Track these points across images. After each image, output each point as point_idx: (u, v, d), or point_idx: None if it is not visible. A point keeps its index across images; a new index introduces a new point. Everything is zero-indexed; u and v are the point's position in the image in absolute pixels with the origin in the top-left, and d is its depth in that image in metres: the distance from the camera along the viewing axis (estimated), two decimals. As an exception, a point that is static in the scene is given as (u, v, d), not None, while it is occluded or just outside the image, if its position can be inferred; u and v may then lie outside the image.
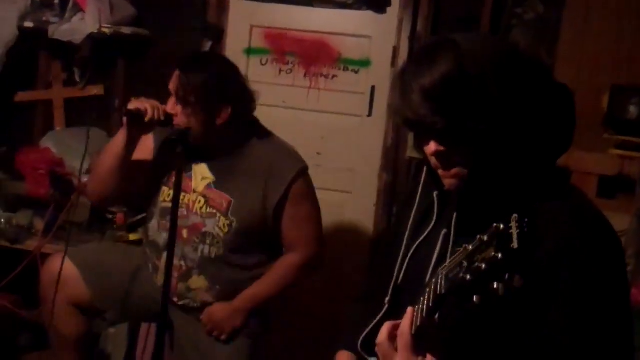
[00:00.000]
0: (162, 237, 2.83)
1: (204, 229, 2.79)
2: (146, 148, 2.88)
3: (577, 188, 1.61)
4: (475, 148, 1.48)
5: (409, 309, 1.48)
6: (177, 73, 2.69)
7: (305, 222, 2.86)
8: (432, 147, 1.52)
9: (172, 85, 2.70)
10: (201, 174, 2.82)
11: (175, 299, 2.84)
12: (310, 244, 2.87)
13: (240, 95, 2.76)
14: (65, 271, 2.89)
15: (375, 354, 1.59)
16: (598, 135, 3.35)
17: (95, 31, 3.81)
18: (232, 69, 2.79)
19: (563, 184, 1.60)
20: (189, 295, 2.85)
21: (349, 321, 1.97)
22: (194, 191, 2.82)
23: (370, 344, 1.69)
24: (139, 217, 3.36)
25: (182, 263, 2.81)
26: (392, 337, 1.50)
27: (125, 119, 2.66)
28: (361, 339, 1.78)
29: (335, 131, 3.89)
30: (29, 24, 3.89)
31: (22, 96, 4.19)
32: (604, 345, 1.47)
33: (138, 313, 3.03)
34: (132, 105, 2.66)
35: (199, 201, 2.81)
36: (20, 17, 3.88)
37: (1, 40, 3.86)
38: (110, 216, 3.71)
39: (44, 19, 3.90)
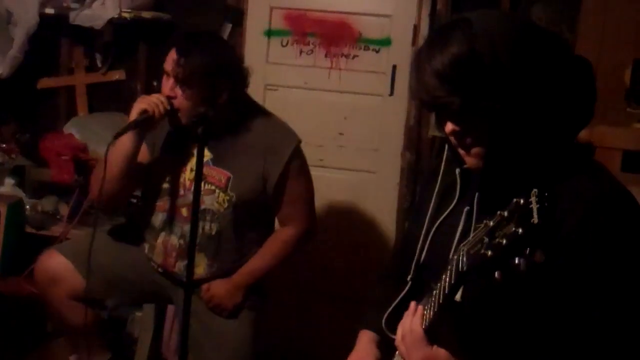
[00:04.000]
0: (158, 218, 2.86)
1: (203, 206, 2.79)
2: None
3: (599, 163, 1.60)
4: (492, 126, 1.48)
5: (419, 307, 1.54)
6: (173, 54, 2.68)
7: (301, 197, 2.90)
8: (449, 126, 1.52)
9: (168, 66, 2.69)
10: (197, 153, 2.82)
11: (175, 275, 2.87)
12: (304, 219, 2.92)
13: (237, 74, 2.76)
14: (59, 266, 2.91)
15: None
16: (621, 110, 3.31)
17: (116, 16, 3.82)
18: (228, 47, 2.84)
19: (586, 159, 1.58)
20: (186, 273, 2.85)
21: (371, 300, 1.98)
22: (191, 170, 2.81)
23: (393, 322, 1.71)
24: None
25: (182, 242, 2.83)
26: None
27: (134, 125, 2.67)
28: (385, 317, 1.79)
29: (357, 111, 3.88)
30: (49, 10, 3.91)
31: (44, 82, 4.22)
32: (633, 321, 1.46)
33: (136, 295, 3.05)
34: (137, 109, 2.67)
35: None
36: (41, 4, 3.89)
37: (22, 27, 3.88)
38: (135, 200, 3.73)
39: (65, 4, 3.91)
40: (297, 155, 2.85)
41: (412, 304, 1.61)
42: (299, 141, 2.87)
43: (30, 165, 3.81)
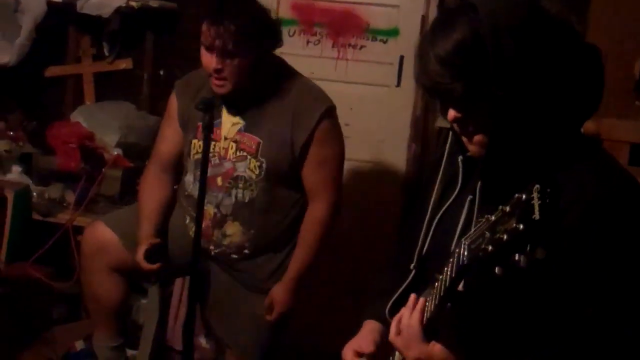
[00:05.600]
0: (196, 188, 2.80)
1: (235, 173, 2.79)
2: (173, 116, 2.93)
3: (608, 154, 1.57)
4: (494, 114, 1.46)
5: (421, 300, 1.54)
6: (207, 27, 2.60)
7: (327, 164, 2.83)
8: (451, 113, 1.50)
9: (206, 41, 2.62)
10: (231, 121, 2.81)
11: (211, 247, 2.87)
12: (330, 189, 2.85)
13: (274, 30, 2.73)
14: (104, 238, 2.96)
15: None
16: (630, 103, 3.31)
17: (123, 5, 3.84)
18: (258, 6, 2.73)
19: (593, 150, 1.56)
20: (224, 242, 2.86)
21: (375, 289, 1.97)
22: (225, 138, 2.81)
23: (397, 311, 1.70)
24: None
25: (216, 210, 2.83)
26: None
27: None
28: (389, 306, 1.79)
29: (364, 102, 3.87)
30: (57, -1, 3.92)
31: (52, 71, 4.23)
32: (635, 314, 1.45)
33: (179, 267, 3.01)
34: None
35: (231, 147, 2.80)
36: (49, -8, 3.91)
37: (30, 16, 3.89)
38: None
39: (72, -7, 3.92)
40: (326, 119, 2.78)
41: (412, 297, 1.61)
42: (330, 106, 2.81)
43: (38, 153, 3.81)
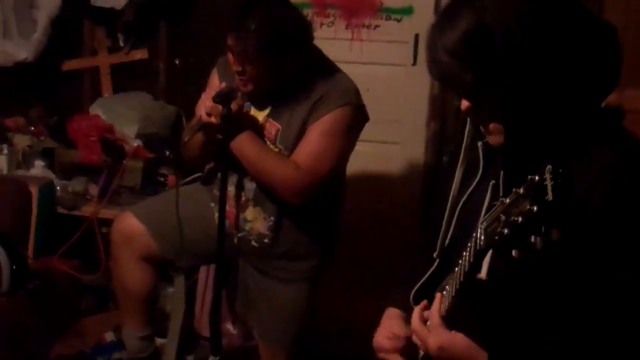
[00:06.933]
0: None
1: None
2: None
3: (628, 131, 1.54)
4: (507, 101, 1.44)
5: (438, 295, 1.55)
6: (230, 31, 2.59)
7: (317, 145, 2.70)
8: (464, 104, 1.50)
9: (229, 42, 2.61)
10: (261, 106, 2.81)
11: (234, 232, 2.86)
12: (305, 168, 2.68)
13: (299, 35, 2.67)
14: (132, 228, 2.98)
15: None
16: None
17: (136, -5, 3.85)
18: (284, 10, 2.65)
19: (613, 127, 1.53)
20: (245, 227, 2.86)
21: (399, 277, 1.97)
22: None
23: (422, 299, 1.71)
24: (190, 178, 3.41)
25: (242, 194, 2.83)
26: (424, 320, 1.60)
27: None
28: (413, 292, 1.79)
29: (380, 82, 3.83)
30: (70, -8, 3.94)
31: (68, 65, 4.25)
32: None
33: (207, 255, 3.00)
34: (197, 113, 2.66)
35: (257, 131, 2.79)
36: (63, -14, 3.93)
37: (45, 11, 3.92)
38: (162, 179, 3.78)
39: (86, -14, 3.94)
40: (343, 109, 2.70)
41: (438, 295, 1.61)
42: (355, 103, 2.74)
43: (59, 147, 3.86)
